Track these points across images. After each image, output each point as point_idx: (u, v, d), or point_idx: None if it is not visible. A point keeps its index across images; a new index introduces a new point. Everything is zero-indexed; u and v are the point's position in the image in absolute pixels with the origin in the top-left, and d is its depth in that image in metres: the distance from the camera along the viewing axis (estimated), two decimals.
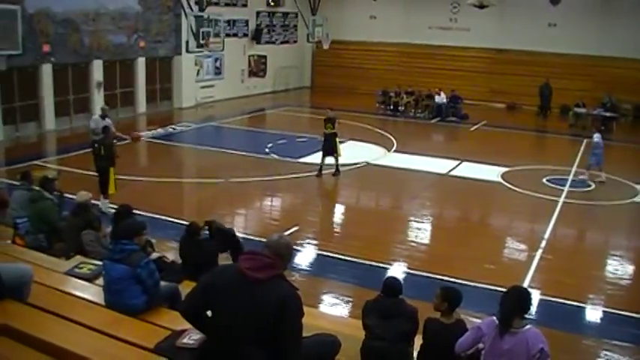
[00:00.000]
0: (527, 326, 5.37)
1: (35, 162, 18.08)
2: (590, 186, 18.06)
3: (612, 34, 29.68)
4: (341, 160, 18.16)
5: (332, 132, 17.89)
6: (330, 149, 18.01)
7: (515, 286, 5.75)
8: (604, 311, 10.50)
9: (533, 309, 10.18)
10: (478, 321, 6.16)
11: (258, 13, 34.88)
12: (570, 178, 18.37)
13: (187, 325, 5.05)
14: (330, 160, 18.11)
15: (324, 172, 18.00)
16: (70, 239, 9.35)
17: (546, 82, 30.08)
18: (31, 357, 5.04)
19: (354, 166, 19.49)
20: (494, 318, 5.47)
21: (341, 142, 18.09)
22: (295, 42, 38.65)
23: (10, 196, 11.00)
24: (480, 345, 5.47)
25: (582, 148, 23.43)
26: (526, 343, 5.24)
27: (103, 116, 16.35)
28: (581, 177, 18.49)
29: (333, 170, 18.19)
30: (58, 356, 5.06)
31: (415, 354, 6.29)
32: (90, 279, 7.13)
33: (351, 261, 12.13)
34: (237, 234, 9.41)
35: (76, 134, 23.49)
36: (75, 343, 5.21)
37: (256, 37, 34.79)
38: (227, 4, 32.03)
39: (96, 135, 15.66)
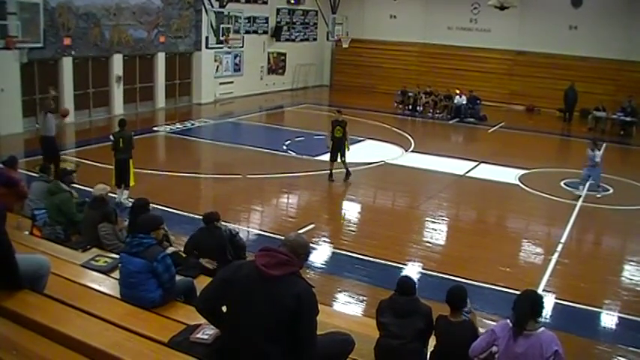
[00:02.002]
0: (541, 329, 5.37)
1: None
2: (607, 190, 17.93)
3: (634, 37, 29.43)
4: (358, 159, 18.05)
5: (341, 136, 17.34)
6: (337, 154, 17.45)
7: (527, 290, 5.76)
8: (619, 317, 10.40)
9: (548, 313, 10.17)
10: (493, 323, 6.16)
11: (278, 10, 34.92)
12: (589, 181, 18.23)
13: (202, 320, 5.07)
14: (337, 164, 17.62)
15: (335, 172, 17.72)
16: (87, 232, 9.42)
17: (571, 85, 29.84)
18: (46, 348, 5.06)
19: (371, 165, 19.48)
20: (508, 321, 5.47)
21: (360, 141, 17.89)
22: (315, 40, 38.66)
23: (28, 187, 11.07)
24: (494, 348, 5.46)
25: (601, 152, 23.29)
26: (540, 346, 5.23)
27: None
28: (577, 192, 17.32)
29: (344, 176, 17.70)
30: (73, 348, 5.08)
31: (429, 353, 6.29)
32: (106, 272, 7.17)
33: (366, 260, 12.11)
34: (253, 230, 9.49)
35: (95, 127, 23.66)
36: (90, 335, 5.23)
37: (276, 35, 34.85)
38: (247, 1, 32.08)
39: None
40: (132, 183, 14.48)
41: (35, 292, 5.86)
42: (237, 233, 9.87)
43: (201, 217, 9.58)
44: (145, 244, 6.28)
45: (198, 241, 8.95)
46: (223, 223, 9.64)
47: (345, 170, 17.66)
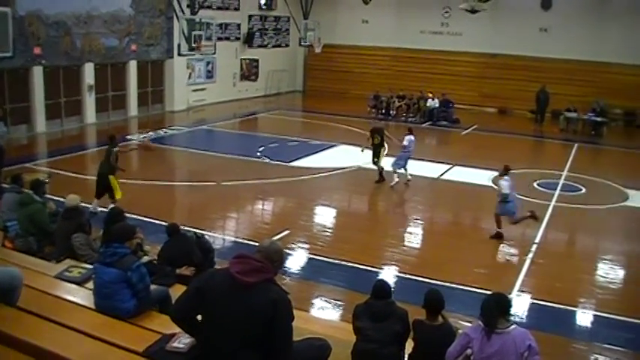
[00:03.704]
0: (513, 326, 5.47)
1: (26, 165, 18.01)
2: (580, 190, 18.13)
3: (604, 39, 29.79)
4: (332, 164, 18.12)
5: (378, 143, 18.23)
6: (375, 158, 18.39)
7: (493, 293, 5.86)
8: (594, 315, 10.51)
9: (525, 312, 10.27)
10: (469, 325, 6.20)
11: (250, 16, 34.88)
12: (561, 182, 18.38)
13: (177, 329, 5.05)
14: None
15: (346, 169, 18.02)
16: (61, 243, 9.33)
17: (543, 87, 30.16)
18: None
19: (345, 170, 19.51)
20: (480, 322, 5.53)
21: (333, 146, 17.99)
22: (287, 46, 38.65)
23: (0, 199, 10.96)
24: (469, 351, 5.51)
25: (573, 152, 23.58)
26: (513, 343, 5.33)
27: None
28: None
29: (377, 177, 18.34)
30: None
31: (406, 357, 6.32)
32: (80, 282, 7.12)
33: (342, 265, 12.11)
34: (229, 237, 9.51)
35: (67, 137, 23.46)
36: (65, 346, 5.20)
37: (248, 41, 34.80)
38: (219, 8, 32.02)
39: None
40: (117, 196, 14.25)
41: (8, 305, 5.81)
42: (202, 236, 9.97)
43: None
44: (119, 254, 6.24)
45: (170, 254, 8.93)
46: (185, 228, 9.69)
47: (378, 172, 18.32)
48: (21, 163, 17.95)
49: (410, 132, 18.55)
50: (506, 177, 14.02)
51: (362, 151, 18.60)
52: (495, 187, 15.42)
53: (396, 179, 17.94)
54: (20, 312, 5.77)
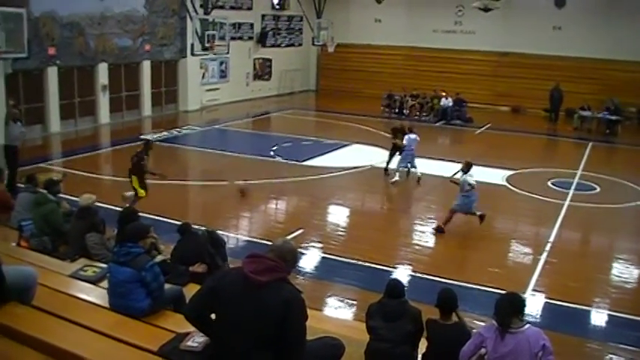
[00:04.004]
0: (527, 326, 5.43)
1: (40, 164, 18.11)
2: (594, 189, 18.03)
3: (618, 37, 29.56)
4: (345, 163, 18.09)
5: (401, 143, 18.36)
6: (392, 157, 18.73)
7: (507, 292, 5.83)
8: (609, 314, 10.46)
9: (538, 312, 10.22)
10: (483, 324, 6.18)
11: (263, 16, 34.94)
12: (575, 181, 18.28)
13: (191, 328, 5.06)
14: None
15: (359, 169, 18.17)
16: (75, 242, 9.37)
17: (556, 85, 30.01)
18: (35, 359, 5.05)
19: (359, 169, 19.50)
20: (494, 322, 5.50)
21: (347, 145, 17.96)
22: (300, 45, 38.69)
23: (14, 198, 11.02)
24: (483, 350, 5.49)
25: (587, 151, 23.46)
26: (527, 342, 5.30)
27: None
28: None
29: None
30: (62, 359, 5.07)
31: (420, 356, 6.31)
32: (94, 282, 7.15)
33: (355, 264, 12.11)
34: (242, 236, 9.53)
35: (81, 137, 23.57)
36: (79, 345, 5.21)
37: (261, 40, 34.86)
38: (232, 8, 32.09)
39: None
40: (141, 193, 14.42)
41: (23, 303, 5.83)
42: (214, 231, 9.99)
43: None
44: (133, 253, 6.26)
45: (182, 252, 8.96)
46: (195, 226, 9.72)
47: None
48: (35, 163, 18.04)
49: (410, 131, 18.60)
50: (470, 173, 14.16)
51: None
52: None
53: (397, 177, 18.07)
54: (35, 310, 5.80)
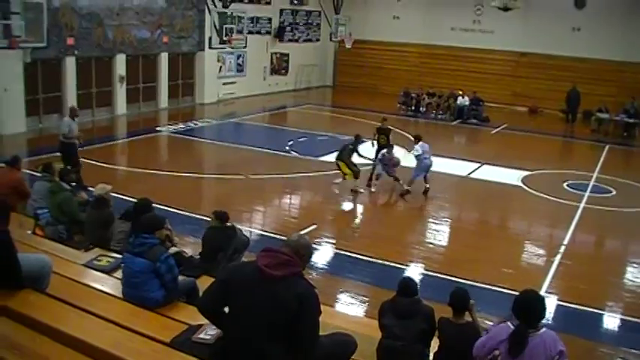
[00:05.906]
0: (543, 329, 5.33)
1: (57, 154, 18.16)
2: (611, 192, 17.92)
3: (637, 38, 29.36)
4: (360, 160, 17.92)
5: (385, 144, 17.77)
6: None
7: (526, 292, 5.59)
8: (622, 319, 10.39)
9: (551, 315, 10.16)
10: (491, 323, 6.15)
11: (281, 11, 34.92)
12: (591, 183, 18.17)
13: (204, 320, 5.07)
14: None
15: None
16: (90, 231, 9.41)
17: (574, 86, 29.77)
18: (48, 347, 5.07)
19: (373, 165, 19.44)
20: (509, 323, 5.41)
21: (361, 142, 17.82)
22: (318, 40, 38.65)
23: (31, 187, 11.09)
24: (497, 352, 5.41)
25: (604, 153, 23.31)
26: (543, 345, 5.19)
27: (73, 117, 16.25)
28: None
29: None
30: (75, 347, 5.09)
31: (432, 355, 6.28)
32: (108, 271, 7.18)
33: (368, 261, 12.10)
34: (256, 230, 9.53)
35: (98, 127, 23.66)
36: (92, 334, 5.24)
37: (279, 35, 34.85)
38: (251, 2, 32.11)
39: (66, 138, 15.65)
40: (348, 176, 16.73)
41: (38, 291, 5.87)
42: (240, 230, 9.98)
43: (205, 217, 9.65)
44: (148, 244, 6.28)
45: (212, 237, 9.14)
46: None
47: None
48: (52, 152, 18.10)
49: (418, 139, 16.99)
50: (420, 143, 16.57)
51: (372, 145, 18.37)
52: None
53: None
54: (49, 298, 5.83)
